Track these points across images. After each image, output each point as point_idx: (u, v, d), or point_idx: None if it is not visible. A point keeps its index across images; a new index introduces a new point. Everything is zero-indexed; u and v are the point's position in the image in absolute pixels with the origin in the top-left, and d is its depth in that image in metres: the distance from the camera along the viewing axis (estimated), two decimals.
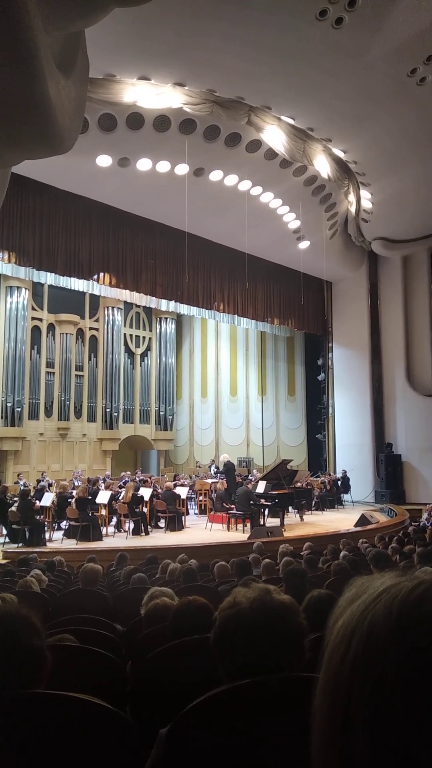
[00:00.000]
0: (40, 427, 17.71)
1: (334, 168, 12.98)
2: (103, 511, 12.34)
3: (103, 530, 11.83)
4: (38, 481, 14.32)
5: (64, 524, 12.16)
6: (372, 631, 0.50)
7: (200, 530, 12.64)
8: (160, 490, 13.16)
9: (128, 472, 17.02)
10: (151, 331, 21.44)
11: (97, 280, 13.56)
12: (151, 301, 15.95)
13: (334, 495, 16.48)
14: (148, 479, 14.58)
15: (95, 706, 1.41)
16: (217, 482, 14.28)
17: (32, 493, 11.96)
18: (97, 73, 9.27)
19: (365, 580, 0.57)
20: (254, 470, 18.25)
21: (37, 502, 11.26)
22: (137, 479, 14.53)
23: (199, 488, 15.40)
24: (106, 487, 12.92)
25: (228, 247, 15.66)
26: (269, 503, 12.45)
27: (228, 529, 12.44)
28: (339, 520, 13.60)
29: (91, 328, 19.27)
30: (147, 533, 11.94)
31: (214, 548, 9.75)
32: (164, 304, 16.02)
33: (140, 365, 20.86)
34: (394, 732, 0.47)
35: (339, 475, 17.14)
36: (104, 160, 11.40)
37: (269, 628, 1.28)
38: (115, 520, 12.63)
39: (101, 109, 10.16)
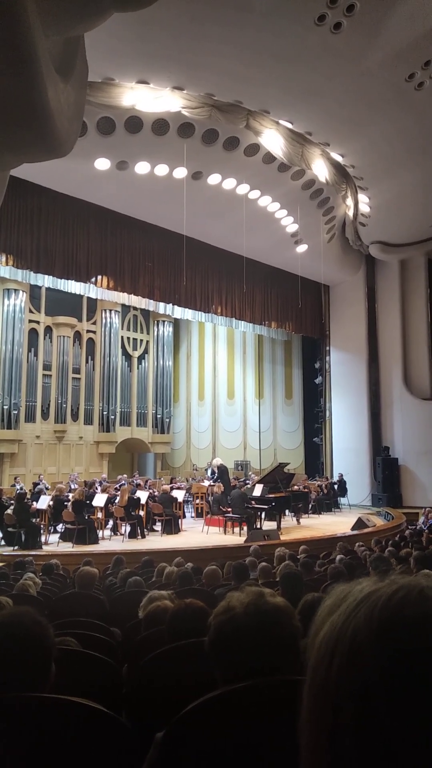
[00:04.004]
0: (36, 429, 17.67)
1: (332, 172, 13.02)
2: (100, 514, 12.32)
3: (100, 533, 11.81)
4: (35, 484, 14.29)
5: (60, 527, 12.14)
6: (354, 640, 0.51)
7: (197, 533, 12.63)
8: (156, 493, 13.15)
9: (125, 475, 17.00)
10: (148, 333, 21.44)
11: (95, 283, 13.56)
12: (149, 304, 15.95)
13: (330, 498, 16.49)
14: (142, 483, 14.55)
15: (92, 709, 1.41)
16: (213, 485, 14.27)
17: (29, 496, 11.94)
18: (96, 77, 9.29)
19: (343, 588, 0.57)
20: (251, 473, 18.24)
21: (34, 504, 11.24)
22: (134, 482, 14.51)
23: (196, 491, 15.39)
24: (103, 490, 12.90)
25: (226, 251, 15.68)
26: (266, 506, 12.44)
27: (224, 533, 12.43)
28: (336, 524, 13.60)
29: (88, 331, 19.25)
30: (143, 536, 11.92)
31: (210, 551, 9.73)
32: (162, 307, 16.03)
33: (137, 368, 20.85)
34: (381, 738, 0.47)
35: (336, 478, 17.15)
36: (103, 163, 11.41)
37: (264, 631, 1.28)
38: (111, 523, 12.60)
39: (100, 113, 10.18)
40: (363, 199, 14.25)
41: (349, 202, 14.67)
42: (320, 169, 12.58)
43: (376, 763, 0.47)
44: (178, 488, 14.22)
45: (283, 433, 20.69)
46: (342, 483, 16.87)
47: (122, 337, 20.34)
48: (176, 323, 22.24)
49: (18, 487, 13.51)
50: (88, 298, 17.99)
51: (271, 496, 12.41)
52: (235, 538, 11.78)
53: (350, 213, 15.29)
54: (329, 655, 0.52)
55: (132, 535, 11.84)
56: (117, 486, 14.04)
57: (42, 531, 11.16)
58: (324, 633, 0.54)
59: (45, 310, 18.22)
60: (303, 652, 1.32)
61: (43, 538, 11.06)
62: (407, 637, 0.49)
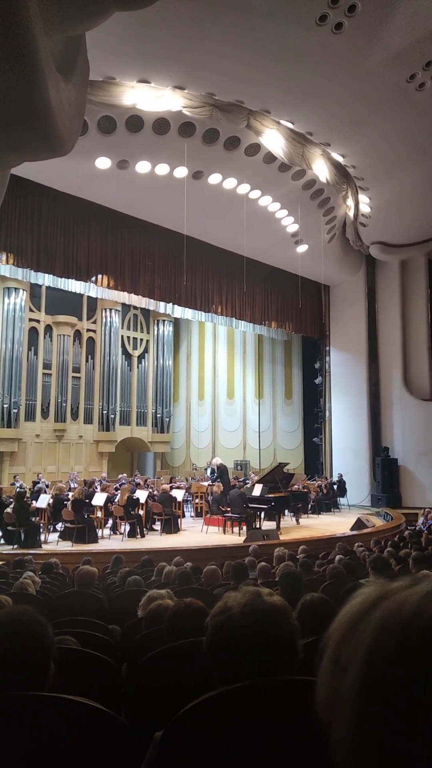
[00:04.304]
0: (36, 428, 17.68)
1: (333, 172, 13.02)
2: (99, 513, 12.33)
3: (99, 532, 11.81)
4: (35, 483, 14.29)
5: (59, 526, 12.14)
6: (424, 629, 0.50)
7: (196, 533, 12.63)
8: (156, 493, 13.15)
9: (124, 474, 17.00)
10: (148, 333, 21.44)
11: (95, 282, 13.56)
12: (149, 303, 15.95)
13: (330, 498, 16.49)
14: (142, 482, 14.56)
15: (91, 708, 1.41)
16: (213, 485, 14.28)
17: (28, 495, 11.94)
18: (97, 76, 9.29)
19: (384, 583, 0.57)
20: (251, 473, 18.25)
21: (34, 503, 11.24)
22: (134, 481, 14.52)
23: (195, 491, 15.39)
24: (103, 489, 12.90)
25: (226, 250, 15.68)
26: (265, 506, 12.44)
27: (224, 532, 12.44)
28: (335, 524, 13.61)
29: (88, 330, 19.26)
30: (143, 536, 11.93)
31: (209, 551, 9.74)
32: (162, 307, 16.03)
33: (137, 367, 20.86)
34: None
35: (335, 478, 17.15)
36: (103, 162, 11.41)
37: (261, 631, 1.28)
38: (110, 522, 12.61)
39: (101, 112, 10.18)
40: (363, 199, 14.25)
41: (350, 202, 14.67)
42: (321, 170, 12.58)
43: None
44: (178, 488, 14.23)
45: (282, 433, 20.70)
46: (341, 483, 16.87)
47: (122, 336, 20.35)
48: (176, 323, 22.25)
49: (18, 485, 13.52)
50: (89, 297, 18.00)
51: (270, 495, 12.41)
52: (235, 537, 11.78)
53: (351, 213, 15.28)
54: (395, 639, 0.51)
55: (131, 534, 11.85)
56: (117, 485, 14.05)
57: (41, 530, 11.16)
58: (381, 618, 0.53)
59: (45, 309, 18.23)
60: (301, 651, 1.33)
61: (42, 537, 11.06)
62: None
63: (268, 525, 12.57)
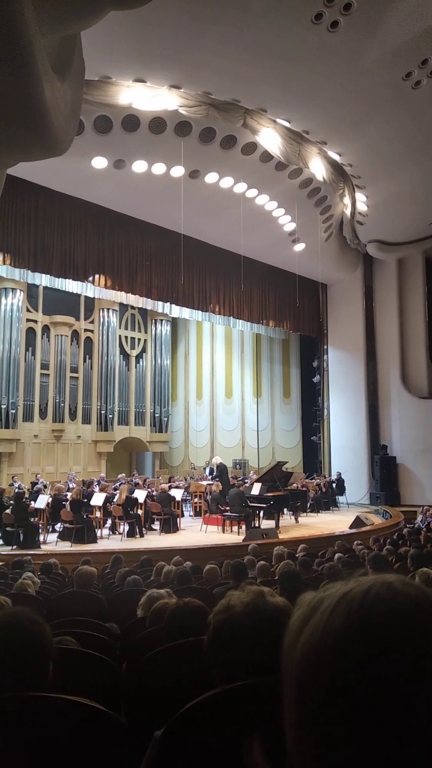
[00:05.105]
0: (34, 428, 17.66)
1: (330, 171, 13.02)
2: (98, 513, 12.32)
3: (98, 532, 11.81)
4: (33, 484, 14.28)
5: (58, 526, 12.13)
6: (337, 643, 0.51)
7: (195, 532, 12.63)
8: (155, 492, 13.15)
9: (123, 474, 16.99)
10: (146, 332, 21.43)
11: (93, 282, 13.55)
12: (146, 303, 15.93)
13: (329, 497, 16.50)
14: (141, 481, 14.56)
15: (90, 708, 1.41)
16: (212, 484, 14.28)
17: (27, 495, 11.93)
18: (93, 75, 9.28)
19: (314, 596, 0.58)
20: (251, 472, 18.25)
21: (32, 503, 11.23)
22: (132, 481, 14.51)
23: (194, 490, 15.39)
24: (101, 489, 12.90)
25: (223, 249, 15.67)
26: (264, 505, 12.45)
27: (223, 531, 12.44)
28: (334, 522, 13.62)
29: (86, 330, 19.24)
30: (142, 535, 11.93)
31: (208, 550, 9.74)
32: (160, 306, 16.01)
33: (135, 367, 20.84)
34: (368, 737, 0.48)
35: (334, 477, 17.17)
36: (100, 162, 11.40)
37: (263, 632, 1.28)
38: (109, 522, 12.60)
39: (97, 111, 10.16)
40: (360, 197, 14.24)
41: (347, 200, 14.66)
42: (317, 168, 12.57)
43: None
44: (177, 487, 14.23)
45: (281, 431, 20.70)
46: (340, 481, 16.89)
47: (120, 336, 20.33)
48: (174, 322, 22.23)
49: (16, 486, 13.50)
50: (86, 297, 17.98)
51: (269, 494, 12.42)
52: (234, 536, 11.78)
53: (348, 212, 15.28)
54: (315, 661, 0.53)
55: (130, 534, 11.84)
56: (115, 485, 14.04)
57: (40, 530, 11.15)
58: (305, 640, 0.55)
59: (43, 309, 18.20)
60: None
61: (41, 538, 11.06)
62: (381, 635, 0.50)
63: (267, 524, 12.58)
